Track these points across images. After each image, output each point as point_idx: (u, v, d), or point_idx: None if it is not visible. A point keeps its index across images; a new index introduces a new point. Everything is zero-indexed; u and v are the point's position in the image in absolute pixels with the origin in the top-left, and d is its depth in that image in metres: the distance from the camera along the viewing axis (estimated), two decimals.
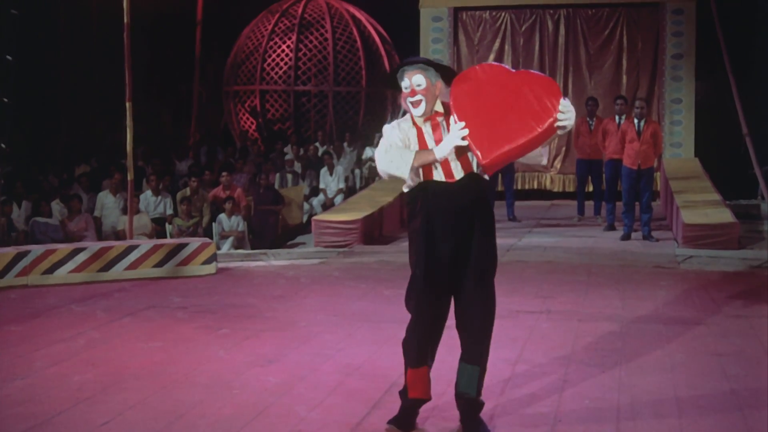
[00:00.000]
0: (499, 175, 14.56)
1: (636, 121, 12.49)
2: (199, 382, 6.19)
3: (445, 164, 5.01)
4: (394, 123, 5.19)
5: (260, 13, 20.30)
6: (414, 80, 5.02)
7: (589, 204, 14.73)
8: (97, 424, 5.34)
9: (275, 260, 11.48)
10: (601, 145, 13.47)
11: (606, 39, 17.09)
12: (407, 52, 18.69)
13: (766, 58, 17.82)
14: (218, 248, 11.88)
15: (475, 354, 5.13)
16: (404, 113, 5.23)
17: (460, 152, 4.99)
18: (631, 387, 6.01)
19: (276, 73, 19.64)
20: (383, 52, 20.14)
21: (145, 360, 6.76)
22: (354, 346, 7.09)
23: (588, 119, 14.43)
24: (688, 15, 16.54)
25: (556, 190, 17.25)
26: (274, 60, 19.65)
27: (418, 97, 5.02)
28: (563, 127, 4.92)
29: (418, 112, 5.04)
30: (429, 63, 5.10)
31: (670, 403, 5.68)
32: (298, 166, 16.80)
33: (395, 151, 5.01)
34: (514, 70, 5.14)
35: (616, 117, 13.23)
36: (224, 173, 14.26)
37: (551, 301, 8.72)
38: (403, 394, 5.23)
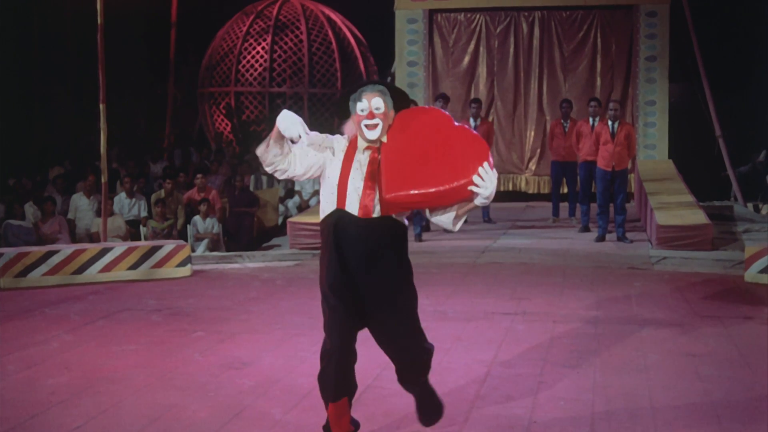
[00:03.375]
0: None
1: (610, 123, 12.54)
2: (174, 385, 6.16)
3: (363, 197, 4.72)
4: (333, 137, 4.92)
5: (235, 15, 20.26)
6: (373, 103, 4.72)
7: (564, 206, 14.80)
8: (70, 428, 5.31)
9: (250, 262, 11.45)
10: (575, 147, 13.53)
11: (580, 41, 17.16)
12: (382, 53, 18.77)
13: (738, 60, 17.98)
14: (193, 250, 11.85)
15: (414, 379, 5.01)
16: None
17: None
18: (605, 388, 6.04)
19: (251, 74, 19.61)
20: (358, 54, 20.15)
21: (119, 363, 6.72)
22: None
23: (562, 121, 14.50)
24: (662, 17, 16.62)
25: (531, 191, 17.30)
26: (249, 61, 19.61)
27: (376, 120, 4.71)
28: (478, 194, 4.65)
29: (373, 135, 4.72)
30: (389, 88, 4.86)
31: (645, 404, 5.71)
32: None
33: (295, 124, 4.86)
34: (457, 124, 4.90)
35: (590, 119, 13.29)
36: (199, 175, 14.21)
37: (526, 303, 8.75)
38: (326, 430, 4.99)
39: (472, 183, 4.65)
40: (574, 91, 16.94)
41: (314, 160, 4.86)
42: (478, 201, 4.71)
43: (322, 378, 4.84)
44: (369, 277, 4.75)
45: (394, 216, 4.78)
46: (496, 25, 17.32)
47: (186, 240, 12.37)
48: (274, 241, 13.62)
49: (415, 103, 5.01)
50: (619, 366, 6.58)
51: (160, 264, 10.35)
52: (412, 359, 4.93)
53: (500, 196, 16.84)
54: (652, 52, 16.66)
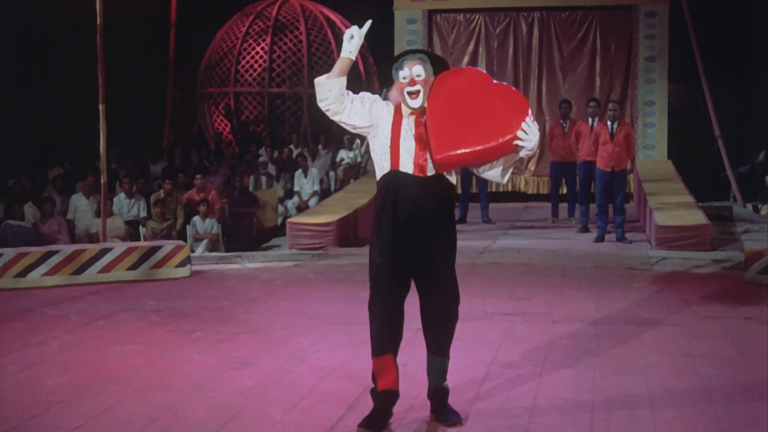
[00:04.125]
0: (474, 178, 14.61)
1: (609, 123, 12.54)
2: (173, 385, 6.16)
3: (416, 157, 5.05)
4: (381, 101, 5.20)
5: (234, 15, 20.25)
6: (414, 70, 5.06)
7: (563, 206, 14.80)
8: (69, 428, 5.31)
9: (250, 263, 11.45)
10: (574, 147, 13.53)
11: (579, 41, 17.16)
12: (381, 54, 18.73)
13: (737, 60, 17.98)
14: (192, 251, 11.85)
15: (441, 345, 5.29)
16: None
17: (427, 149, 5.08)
18: (604, 388, 6.04)
19: (250, 75, 19.60)
20: (357, 54, 20.12)
21: (118, 363, 6.72)
22: (329, 349, 7.08)
23: (561, 122, 14.50)
24: (661, 18, 16.63)
25: (530, 192, 17.30)
26: (248, 62, 19.61)
27: (417, 87, 5.06)
28: (522, 147, 4.98)
29: (416, 103, 5.06)
30: (428, 55, 5.17)
31: (644, 404, 5.71)
32: (272, 169, 16.76)
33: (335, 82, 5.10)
34: (495, 82, 5.20)
35: (590, 119, 13.29)
36: (198, 175, 14.21)
37: (525, 303, 8.75)
38: (373, 392, 5.28)
39: (517, 138, 4.96)
40: (573, 91, 16.95)
41: (367, 120, 5.15)
42: (523, 153, 5.04)
43: (370, 332, 5.20)
44: (421, 237, 5.09)
45: (445, 174, 5.12)
46: (496, 26, 17.33)
47: (185, 240, 12.36)
48: (273, 242, 13.62)
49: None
50: (619, 366, 6.58)
51: (159, 264, 10.34)
52: (446, 325, 5.29)
53: (499, 196, 16.88)
54: (651, 52, 16.66)
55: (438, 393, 5.33)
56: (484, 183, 14.61)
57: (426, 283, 5.20)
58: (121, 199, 13.80)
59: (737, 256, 10.92)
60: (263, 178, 16.27)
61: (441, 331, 5.27)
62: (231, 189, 14.80)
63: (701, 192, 15.10)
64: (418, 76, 5.06)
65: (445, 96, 5.07)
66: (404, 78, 5.07)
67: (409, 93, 5.06)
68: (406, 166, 5.06)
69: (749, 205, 16.10)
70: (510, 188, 17.29)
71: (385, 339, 5.17)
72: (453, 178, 5.18)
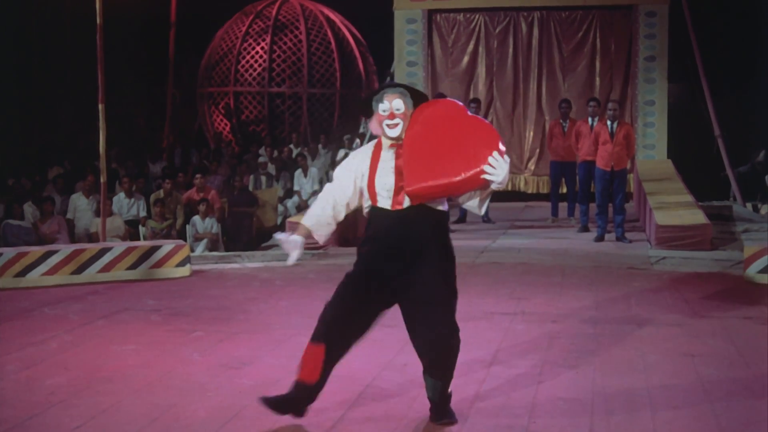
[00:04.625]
0: None
1: (609, 123, 12.54)
2: (173, 385, 6.16)
3: (395, 190, 5.08)
4: (360, 150, 5.34)
5: (234, 15, 20.26)
6: (394, 104, 5.10)
7: (563, 206, 14.80)
8: (69, 428, 5.31)
9: (249, 262, 11.44)
10: (574, 147, 13.53)
11: (579, 41, 17.14)
12: (382, 53, 18.77)
13: (737, 60, 17.98)
14: (192, 250, 11.84)
15: (437, 372, 5.21)
16: (371, 139, 5.29)
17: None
18: (604, 388, 6.04)
19: (250, 74, 19.61)
20: (357, 54, 20.16)
21: (118, 363, 6.72)
22: None
23: (561, 121, 14.50)
24: (661, 18, 16.61)
25: (530, 191, 17.29)
26: (248, 62, 19.62)
27: (396, 120, 5.10)
28: (492, 181, 4.99)
29: (394, 133, 5.10)
30: (408, 89, 5.21)
31: (644, 403, 5.71)
32: (272, 168, 16.77)
33: (320, 201, 5.30)
34: (470, 114, 5.24)
35: (590, 119, 13.29)
36: (198, 175, 14.21)
37: (525, 303, 8.75)
38: (296, 380, 5.27)
39: (484, 171, 4.97)
40: (573, 91, 16.93)
41: (352, 183, 5.21)
42: (494, 186, 5.06)
43: (320, 317, 5.21)
44: (402, 267, 5.08)
45: (428, 204, 5.11)
46: (495, 26, 17.31)
47: (185, 240, 12.36)
48: (273, 241, 13.61)
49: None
50: (619, 366, 6.58)
51: (159, 264, 10.34)
52: (444, 349, 5.14)
53: (499, 196, 16.83)
54: (651, 52, 16.65)
55: (434, 401, 5.34)
56: None
57: (413, 309, 5.13)
58: (120, 199, 13.80)
59: (737, 255, 10.91)
60: (263, 178, 16.27)
61: (437, 357, 5.17)
62: (231, 188, 14.81)
63: (701, 191, 15.09)
64: (398, 109, 5.10)
65: (421, 127, 5.12)
66: (384, 111, 5.11)
67: (388, 125, 5.11)
68: (384, 201, 5.11)
69: (749, 205, 16.10)
70: (510, 188, 17.27)
71: (327, 330, 5.14)
72: (443, 206, 5.18)
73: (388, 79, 17.69)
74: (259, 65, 19.57)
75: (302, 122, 19.40)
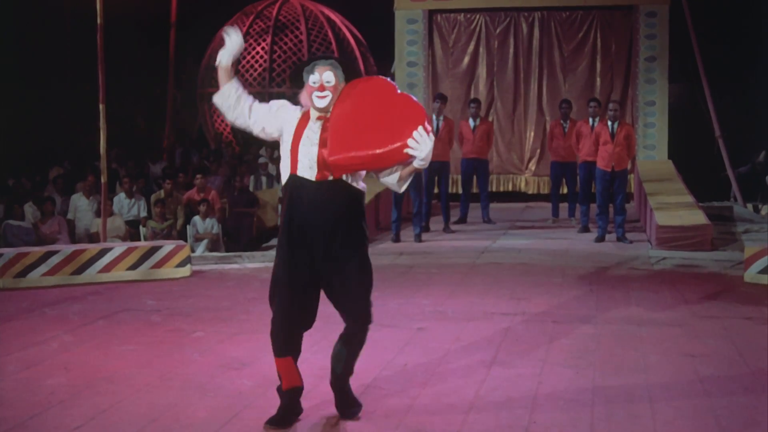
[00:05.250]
0: (474, 177, 14.62)
1: (609, 123, 12.54)
2: (173, 385, 6.16)
3: (318, 161, 5.07)
4: (292, 108, 5.28)
5: (235, 15, 20.24)
6: (324, 76, 5.10)
7: (564, 206, 14.80)
8: (69, 428, 5.31)
9: (250, 263, 11.44)
10: (575, 147, 13.54)
11: (580, 42, 17.15)
12: (382, 54, 18.77)
13: (738, 60, 17.98)
14: (192, 251, 11.84)
15: (350, 342, 5.34)
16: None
17: None
18: (605, 388, 6.04)
19: (251, 74, 19.61)
20: (358, 54, 20.15)
21: (118, 363, 6.72)
22: (328, 349, 7.01)
23: (562, 122, 14.50)
24: (661, 18, 16.62)
25: (530, 192, 17.29)
26: (248, 62, 19.61)
27: (326, 92, 5.09)
28: (414, 156, 4.98)
29: (322, 104, 5.09)
30: (340, 62, 5.20)
31: (644, 404, 5.71)
32: (272, 169, 16.76)
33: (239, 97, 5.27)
34: (400, 92, 5.26)
35: (590, 119, 13.30)
36: (199, 175, 14.21)
37: (526, 303, 8.74)
38: (279, 389, 5.39)
39: (407, 146, 4.98)
40: (573, 91, 16.94)
41: (273, 125, 5.25)
42: (416, 163, 5.03)
43: (271, 335, 5.32)
44: (321, 241, 5.11)
45: (350, 181, 5.14)
46: (496, 26, 17.32)
47: (185, 240, 12.35)
48: (273, 242, 13.60)
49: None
50: (619, 366, 6.58)
51: (159, 264, 10.34)
52: (360, 313, 5.24)
53: (500, 196, 16.89)
54: (651, 52, 16.65)
55: (336, 380, 5.46)
56: (484, 183, 14.62)
57: (333, 283, 5.20)
58: (121, 199, 13.80)
59: (737, 256, 10.91)
60: (263, 178, 16.27)
61: (353, 331, 5.31)
62: (231, 189, 14.80)
63: (701, 192, 15.09)
64: (328, 82, 5.10)
65: (351, 102, 5.14)
66: (314, 83, 5.10)
67: (318, 97, 5.10)
68: (304, 170, 5.10)
69: (749, 205, 16.10)
70: (510, 188, 17.30)
71: (283, 342, 5.29)
72: (360, 185, 5.21)
73: (389, 79, 17.65)
74: (260, 65, 19.57)
75: None
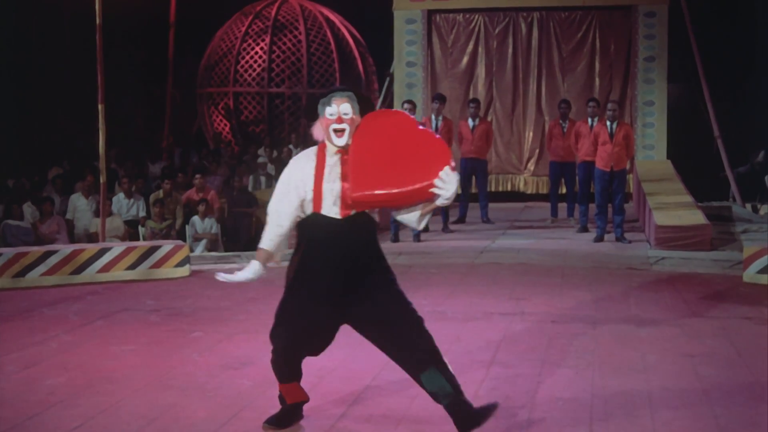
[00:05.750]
0: (473, 177, 14.61)
1: (608, 123, 12.54)
2: (173, 385, 6.16)
3: (342, 197, 4.96)
4: (300, 156, 5.16)
5: (234, 15, 20.25)
6: (342, 108, 4.97)
7: (563, 206, 14.80)
8: (69, 428, 5.31)
9: (249, 263, 11.42)
10: (573, 147, 13.54)
11: (579, 42, 17.15)
12: (381, 54, 18.77)
13: (737, 60, 17.98)
14: (191, 251, 11.83)
15: (421, 362, 5.00)
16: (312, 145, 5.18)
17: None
18: (604, 388, 6.04)
19: (249, 75, 19.61)
20: (357, 54, 20.16)
21: (117, 363, 6.72)
22: (328, 349, 7.06)
23: (561, 122, 14.50)
24: (660, 18, 16.62)
25: (529, 192, 17.28)
26: (247, 62, 19.61)
27: (344, 125, 4.96)
28: (438, 196, 4.89)
29: (341, 141, 4.97)
30: (357, 95, 5.07)
31: (643, 404, 5.71)
32: (271, 169, 16.76)
33: (273, 216, 5.18)
34: (421, 128, 5.18)
35: (589, 119, 13.29)
36: (198, 175, 14.21)
37: (525, 303, 8.75)
38: (282, 399, 5.37)
39: (434, 185, 4.89)
40: (572, 91, 16.93)
41: (296, 196, 5.06)
42: (438, 201, 4.95)
43: (274, 365, 5.30)
44: (351, 277, 5.01)
45: (368, 211, 5.05)
46: (495, 26, 17.31)
47: (184, 240, 12.35)
48: None
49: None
50: (618, 366, 6.58)
51: (158, 264, 10.34)
52: (418, 345, 5.00)
53: (499, 196, 16.88)
54: (650, 52, 16.65)
55: (452, 403, 5.03)
56: (483, 183, 14.61)
57: (372, 314, 5.05)
58: (120, 199, 13.80)
59: (736, 256, 10.91)
60: (262, 178, 16.27)
61: (417, 352, 5.01)
62: (230, 189, 14.80)
63: (700, 192, 15.09)
64: (345, 114, 4.96)
65: (370, 136, 5.03)
66: (331, 115, 4.97)
67: (335, 131, 4.97)
68: (328, 208, 4.98)
69: (748, 205, 16.10)
70: (509, 188, 17.30)
71: (289, 372, 5.28)
72: (375, 215, 5.16)
73: (387, 79, 17.70)
74: (259, 65, 19.57)
75: (301, 122, 19.37)
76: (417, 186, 4.91)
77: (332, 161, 5.01)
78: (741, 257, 10.24)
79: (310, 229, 5.06)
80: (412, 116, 5.33)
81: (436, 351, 5.01)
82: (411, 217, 5.08)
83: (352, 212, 4.98)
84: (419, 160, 4.96)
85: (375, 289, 5.03)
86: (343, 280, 5.01)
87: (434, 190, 4.89)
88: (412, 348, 5.01)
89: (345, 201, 4.96)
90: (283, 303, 5.23)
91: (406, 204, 5.02)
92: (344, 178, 4.96)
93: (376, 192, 4.92)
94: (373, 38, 19.79)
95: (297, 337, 5.14)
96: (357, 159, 4.97)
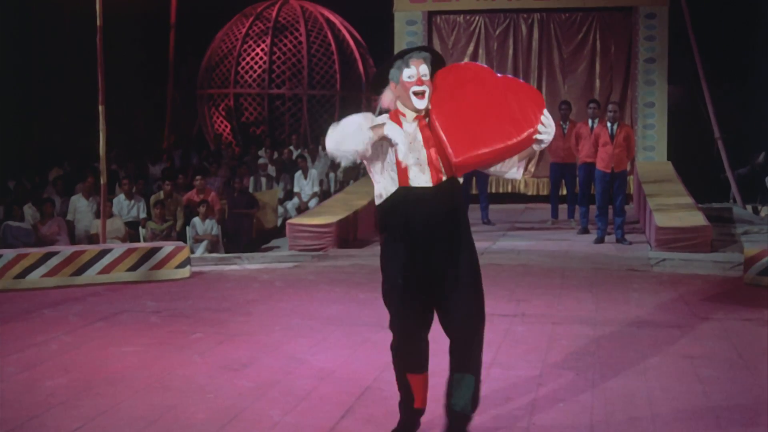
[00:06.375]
0: (473, 179, 14.62)
1: (609, 124, 12.55)
2: (173, 387, 6.16)
3: (430, 165, 4.69)
4: (374, 116, 4.78)
5: (234, 16, 20.25)
6: (421, 69, 4.70)
7: (563, 207, 14.80)
8: (69, 430, 5.31)
9: (249, 264, 11.45)
10: (574, 148, 13.54)
11: (579, 43, 17.17)
12: (382, 55, 18.75)
13: (737, 61, 17.97)
14: (192, 252, 11.84)
15: (466, 362, 4.85)
16: (380, 113, 4.90)
17: (440, 152, 4.72)
18: (604, 390, 6.04)
19: (250, 76, 19.61)
20: (357, 56, 20.15)
21: (118, 365, 6.72)
22: (328, 350, 7.08)
23: (561, 123, 14.49)
24: (661, 19, 16.64)
25: (530, 193, 17.31)
26: (248, 63, 19.61)
27: (424, 87, 4.70)
28: (540, 141, 4.69)
29: (422, 104, 4.70)
30: (432, 54, 4.82)
31: (644, 406, 5.71)
32: (272, 170, 16.77)
33: (353, 125, 4.64)
34: (500, 75, 4.95)
35: (590, 121, 13.30)
36: (198, 177, 14.22)
37: (525, 305, 8.75)
38: (404, 405, 5.05)
39: (538, 132, 4.70)
40: (573, 92, 16.96)
41: (368, 142, 4.67)
42: (536, 146, 4.77)
43: (398, 355, 4.96)
44: (443, 249, 4.73)
45: (457, 177, 4.81)
46: (495, 27, 17.33)
47: (185, 241, 12.35)
48: (273, 243, 13.62)
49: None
50: (618, 368, 6.57)
51: (159, 265, 10.35)
52: (473, 334, 4.85)
53: (499, 197, 16.88)
54: (651, 54, 16.67)
55: (458, 420, 4.91)
56: (484, 184, 14.62)
57: (449, 294, 4.78)
58: (120, 200, 13.81)
59: (737, 257, 10.91)
60: (263, 180, 16.27)
61: (467, 350, 4.83)
62: (231, 190, 14.80)
63: (701, 193, 15.10)
64: (424, 75, 4.69)
65: (450, 95, 4.77)
66: (410, 77, 4.69)
67: (416, 93, 4.68)
68: (416, 178, 4.69)
69: (749, 207, 16.11)
70: (510, 189, 17.31)
71: (424, 358, 4.98)
72: (461, 178, 4.89)
73: None
74: (259, 67, 19.57)
75: (302, 124, 19.39)
76: (523, 136, 4.68)
77: (411, 128, 4.73)
78: (741, 259, 10.23)
79: (398, 204, 4.72)
80: (483, 65, 5.07)
81: (479, 362, 4.87)
82: (509, 168, 4.88)
83: (444, 178, 4.71)
84: (514, 108, 4.72)
85: (459, 281, 4.75)
86: (437, 244, 4.72)
87: (538, 136, 4.69)
88: (464, 349, 4.84)
89: (433, 168, 4.69)
90: (385, 294, 4.90)
91: (511, 156, 4.78)
92: (428, 144, 4.71)
93: (481, 151, 4.66)
94: (373, 39, 19.79)
95: (408, 323, 4.85)
96: (446, 121, 4.70)
